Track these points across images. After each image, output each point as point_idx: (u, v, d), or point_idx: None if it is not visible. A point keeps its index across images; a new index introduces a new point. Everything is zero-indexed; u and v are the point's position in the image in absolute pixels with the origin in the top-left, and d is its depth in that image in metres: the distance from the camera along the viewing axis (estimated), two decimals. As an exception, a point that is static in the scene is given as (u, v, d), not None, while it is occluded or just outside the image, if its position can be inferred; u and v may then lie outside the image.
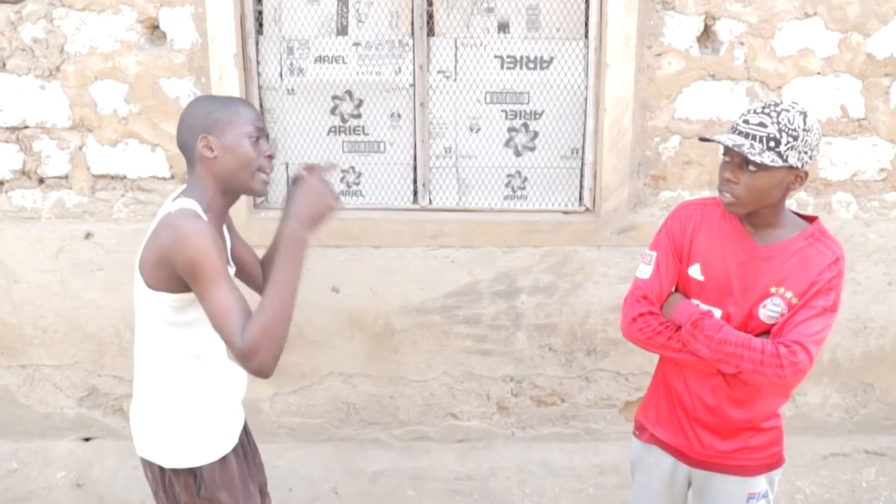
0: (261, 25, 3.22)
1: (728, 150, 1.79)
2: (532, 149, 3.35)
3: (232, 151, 1.80)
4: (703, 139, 1.85)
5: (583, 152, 3.32)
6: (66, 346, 3.37)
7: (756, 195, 1.78)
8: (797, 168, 1.76)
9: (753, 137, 1.75)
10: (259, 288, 2.16)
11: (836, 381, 3.43)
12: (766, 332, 1.87)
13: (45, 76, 3.12)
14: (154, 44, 3.12)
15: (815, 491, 3.21)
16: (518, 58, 3.24)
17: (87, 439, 3.48)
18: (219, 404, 1.93)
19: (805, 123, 1.74)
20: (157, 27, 3.09)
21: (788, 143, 1.72)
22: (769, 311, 1.85)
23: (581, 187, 3.36)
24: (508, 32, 3.22)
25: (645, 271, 2.01)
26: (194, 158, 1.82)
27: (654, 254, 2.01)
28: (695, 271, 1.95)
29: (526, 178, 3.38)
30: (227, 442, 1.94)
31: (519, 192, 3.39)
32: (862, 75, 3.10)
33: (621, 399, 3.43)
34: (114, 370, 3.37)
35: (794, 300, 1.82)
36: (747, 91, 3.11)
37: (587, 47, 3.20)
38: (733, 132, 1.80)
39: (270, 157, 1.87)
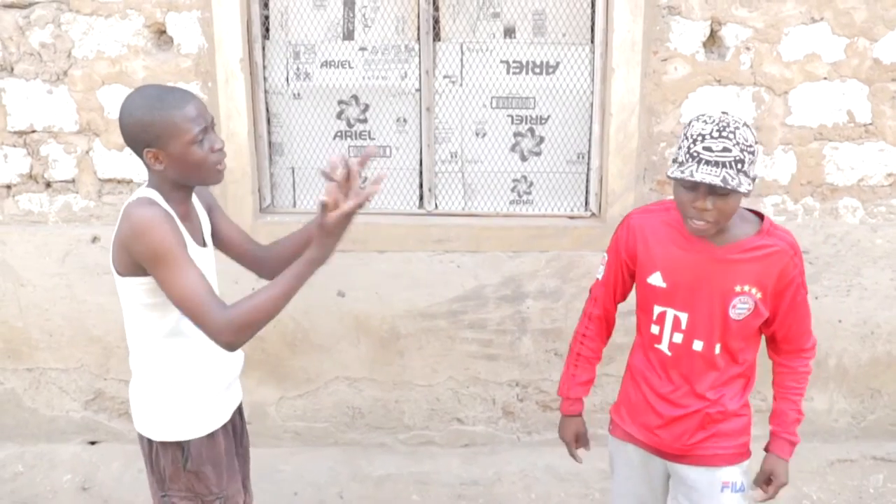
0: (267, 30, 3.23)
1: (725, 189, 1.73)
2: (538, 154, 3.35)
3: (181, 161, 1.78)
4: (670, 177, 1.78)
5: (588, 157, 3.32)
6: (72, 350, 3.38)
7: (728, 215, 1.81)
8: (753, 179, 1.79)
9: (725, 165, 1.73)
10: (248, 265, 2.25)
11: (843, 387, 3.41)
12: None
13: (53, 81, 3.13)
14: (161, 48, 3.13)
15: (823, 497, 3.19)
16: (524, 63, 3.24)
17: (92, 443, 3.49)
18: (208, 380, 1.95)
19: (754, 137, 1.77)
20: (163, 32, 3.10)
21: (750, 160, 1.75)
22: (738, 310, 1.90)
23: (587, 192, 3.36)
24: (514, 37, 3.23)
25: (600, 272, 2.17)
26: (145, 164, 1.82)
27: (607, 257, 2.14)
28: (655, 279, 1.97)
29: (532, 183, 3.38)
30: (216, 418, 1.97)
31: (525, 197, 3.39)
32: (868, 80, 3.09)
33: (627, 404, 3.42)
34: (120, 374, 3.38)
35: (759, 295, 1.89)
36: (753, 96, 3.11)
37: (593, 52, 3.20)
38: (698, 162, 1.74)
39: (220, 149, 1.84)
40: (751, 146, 1.75)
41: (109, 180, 3.23)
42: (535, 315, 3.32)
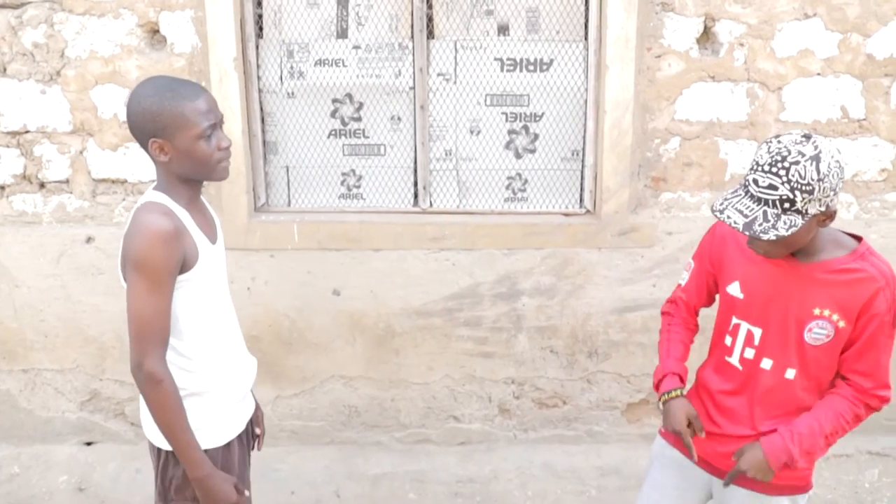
0: (261, 29, 3.23)
1: (752, 236, 1.68)
2: (532, 151, 3.35)
3: (186, 155, 1.77)
4: (715, 213, 1.73)
5: (583, 154, 3.32)
6: (67, 351, 3.37)
7: (786, 248, 1.74)
8: (822, 212, 1.67)
9: (766, 202, 1.64)
10: None
11: (838, 382, 3.42)
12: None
13: (46, 81, 3.12)
14: (154, 48, 3.12)
15: (819, 492, 3.20)
16: (518, 60, 3.24)
17: (88, 443, 3.49)
18: (225, 389, 1.94)
19: (819, 172, 1.60)
20: (157, 31, 3.09)
21: (805, 199, 1.62)
22: (815, 334, 1.80)
23: (581, 189, 3.36)
24: (508, 35, 3.23)
25: (684, 278, 2.11)
26: (151, 157, 1.81)
27: (693, 263, 2.07)
28: (734, 289, 1.91)
29: (526, 181, 3.38)
30: (233, 428, 1.97)
31: (519, 195, 3.39)
32: (862, 76, 3.10)
33: (623, 401, 3.42)
34: (115, 374, 3.37)
35: (841, 323, 1.77)
36: (747, 92, 3.11)
37: (587, 49, 3.20)
38: (745, 195, 1.69)
39: (227, 147, 1.83)
40: (807, 185, 1.60)
41: (104, 180, 3.22)
42: (531, 312, 3.33)
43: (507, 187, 3.39)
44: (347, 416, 3.47)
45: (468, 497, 3.21)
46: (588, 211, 3.33)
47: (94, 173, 3.21)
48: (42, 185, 3.25)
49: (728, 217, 1.69)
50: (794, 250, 1.77)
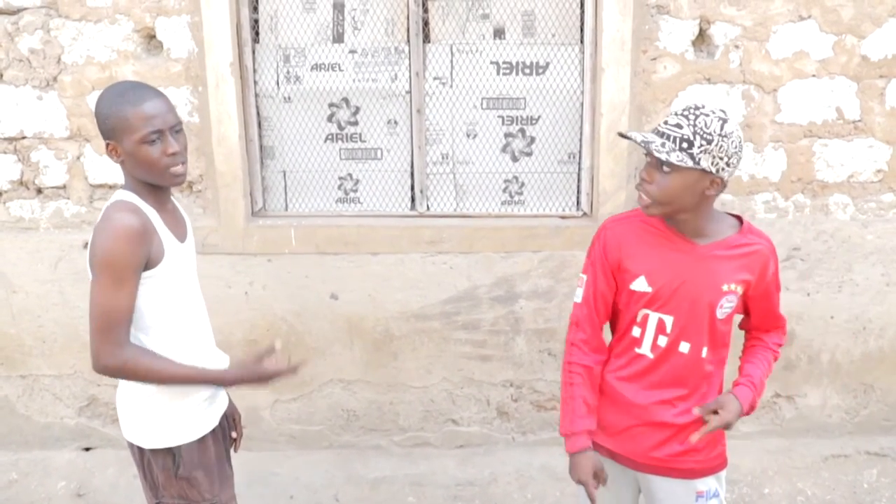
0: (257, 34, 3.23)
1: (647, 151, 1.80)
2: (529, 154, 3.35)
3: (133, 157, 1.80)
4: (621, 135, 1.91)
5: (580, 157, 3.33)
6: (65, 356, 3.37)
7: (669, 196, 1.79)
8: (711, 173, 1.75)
9: (668, 137, 1.77)
10: None
11: (836, 383, 3.43)
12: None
13: (43, 86, 3.12)
14: (151, 53, 3.13)
15: (817, 493, 3.21)
16: (514, 63, 3.25)
17: (87, 449, 3.48)
18: (195, 386, 1.94)
19: (722, 129, 1.74)
20: (153, 37, 3.09)
21: (702, 145, 1.73)
22: (725, 309, 1.90)
23: (578, 192, 3.37)
24: (504, 38, 3.23)
25: (578, 295, 2.04)
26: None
27: (585, 277, 2.03)
28: (640, 284, 1.92)
29: (523, 184, 3.38)
30: (205, 423, 1.98)
31: (516, 198, 3.40)
32: (857, 77, 3.11)
33: (621, 403, 3.43)
34: (113, 380, 3.34)
35: (740, 289, 1.90)
36: (743, 94, 3.12)
37: (583, 52, 3.21)
38: (654, 132, 1.82)
39: (174, 153, 1.82)
40: (709, 133, 1.73)
41: (101, 186, 3.23)
42: (529, 315, 3.33)
43: (504, 190, 3.39)
44: (346, 419, 3.46)
45: (467, 500, 3.21)
46: (585, 213, 3.34)
47: (92, 179, 3.21)
48: (39, 191, 3.25)
49: (633, 135, 1.82)
50: (673, 211, 1.83)
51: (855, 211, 3.26)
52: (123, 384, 1.95)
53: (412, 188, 3.38)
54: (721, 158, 1.75)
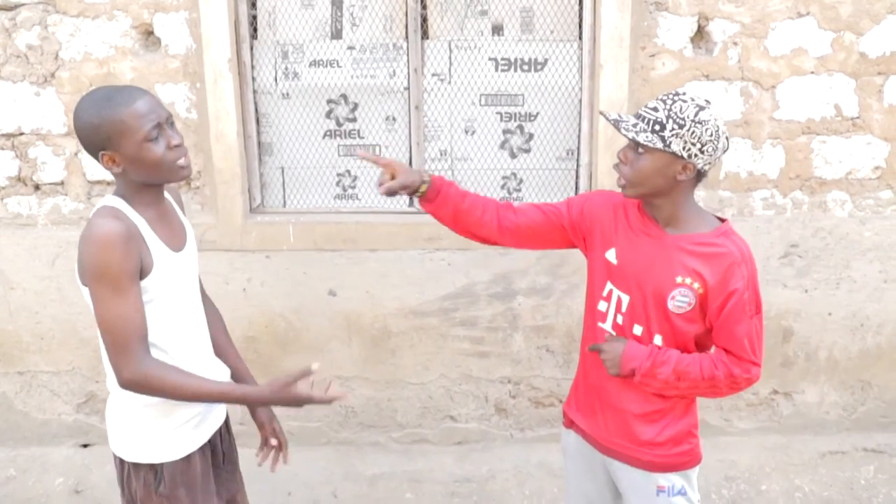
0: (255, 30, 3.23)
1: (615, 126, 1.83)
2: (527, 151, 3.35)
3: (137, 162, 1.71)
4: (601, 113, 1.96)
5: (578, 154, 3.33)
6: (63, 353, 3.37)
7: (641, 177, 1.82)
8: (682, 157, 1.77)
9: (643, 119, 1.79)
10: None
11: (834, 379, 3.43)
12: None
13: (40, 83, 3.12)
14: (149, 49, 3.12)
15: (814, 489, 3.21)
16: (512, 60, 3.25)
17: (85, 445, 3.48)
18: (183, 403, 1.84)
19: (696, 116, 1.74)
20: (151, 33, 3.09)
21: (673, 129, 1.74)
22: (678, 302, 1.86)
23: (577, 188, 3.37)
24: (502, 35, 3.23)
25: (554, 202, 2.16)
26: (105, 168, 1.75)
27: (569, 202, 2.12)
28: (611, 255, 1.97)
29: (521, 180, 3.38)
30: (193, 440, 1.90)
31: (515, 194, 3.39)
32: (855, 74, 3.11)
33: (619, 399, 3.43)
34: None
35: (700, 290, 1.83)
36: (741, 91, 3.12)
37: (581, 49, 3.21)
38: (634, 115, 1.84)
39: (178, 145, 1.75)
40: (681, 118, 1.74)
41: (98, 182, 3.22)
42: (527, 312, 3.33)
43: (503, 187, 3.39)
44: (344, 416, 3.47)
45: (465, 496, 3.21)
46: (583, 210, 3.33)
47: (89, 175, 3.21)
48: (37, 188, 3.24)
49: (607, 114, 1.87)
50: (647, 193, 1.86)
51: (853, 208, 3.26)
52: (114, 393, 1.88)
53: (410, 185, 3.37)
54: (693, 144, 1.76)
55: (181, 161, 1.76)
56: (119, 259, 1.64)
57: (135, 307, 1.68)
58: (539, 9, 3.20)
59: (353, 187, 3.40)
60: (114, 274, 1.64)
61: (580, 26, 3.20)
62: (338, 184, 3.40)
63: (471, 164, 3.36)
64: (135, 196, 1.77)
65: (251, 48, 3.22)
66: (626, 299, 1.93)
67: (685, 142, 1.75)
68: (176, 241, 1.86)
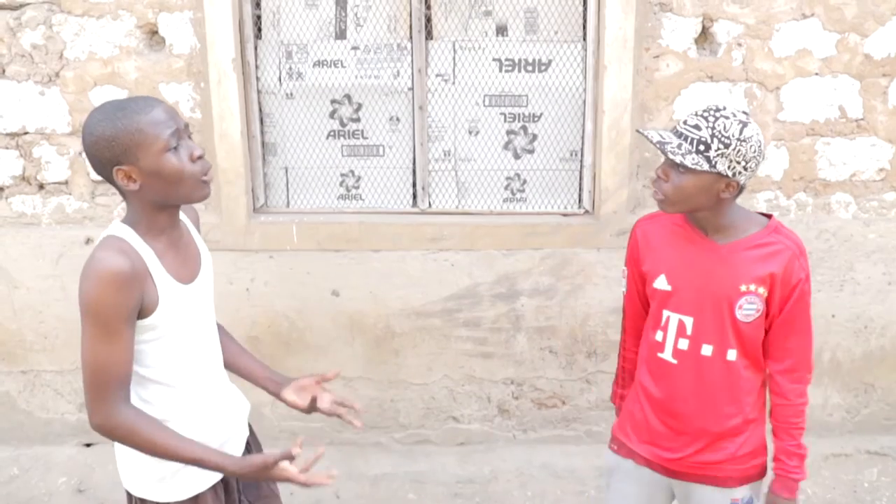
0: (259, 30, 3.23)
1: (661, 150, 1.77)
2: (531, 151, 3.35)
3: (156, 175, 1.57)
4: (638, 132, 1.87)
5: (582, 154, 3.32)
6: (66, 352, 3.37)
7: (683, 196, 1.77)
8: (727, 176, 1.72)
9: (685, 138, 1.74)
10: None
11: (837, 382, 3.42)
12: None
13: (45, 82, 3.12)
14: (153, 49, 3.13)
15: (818, 492, 3.20)
16: (516, 61, 3.25)
17: (88, 445, 3.48)
18: (195, 436, 1.69)
19: (741, 133, 1.70)
20: (155, 32, 3.09)
21: (719, 149, 1.70)
22: (746, 311, 1.83)
23: (580, 189, 3.37)
24: (507, 35, 3.23)
25: (624, 284, 2.12)
26: (119, 188, 1.61)
27: (626, 270, 2.10)
28: (661, 283, 1.92)
29: (525, 181, 3.38)
30: (203, 479, 1.77)
31: (518, 195, 3.39)
32: (860, 76, 3.10)
33: (622, 401, 3.43)
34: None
35: (762, 290, 1.82)
36: (745, 92, 3.12)
37: (585, 50, 3.21)
38: (672, 131, 1.79)
39: (201, 156, 1.62)
40: (727, 137, 1.69)
41: (102, 181, 3.22)
42: (530, 313, 3.33)
43: (506, 188, 3.39)
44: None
45: (468, 497, 3.21)
46: (587, 211, 3.34)
47: (93, 174, 3.21)
48: (41, 187, 3.25)
49: (649, 134, 1.79)
50: (688, 209, 1.82)
51: (857, 210, 3.26)
52: None
53: (414, 185, 3.38)
54: (738, 162, 1.72)
55: (203, 178, 1.63)
56: (114, 301, 1.53)
57: (122, 351, 1.57)
58: (543, 9, 3.20)
59: (357, 187, 3.40)
60: (107, 315, 1.53)
61: (584, 27, 3.20)
62: (341, 184, 3.40)
63: (474, 164, 3.36)
64: (147, 222, 1.64)
65: (255, 48, 3.22)
66: (689, 321, 1.88)
67: (730, 161, 1.71)
68: (187, 271, 1.73)
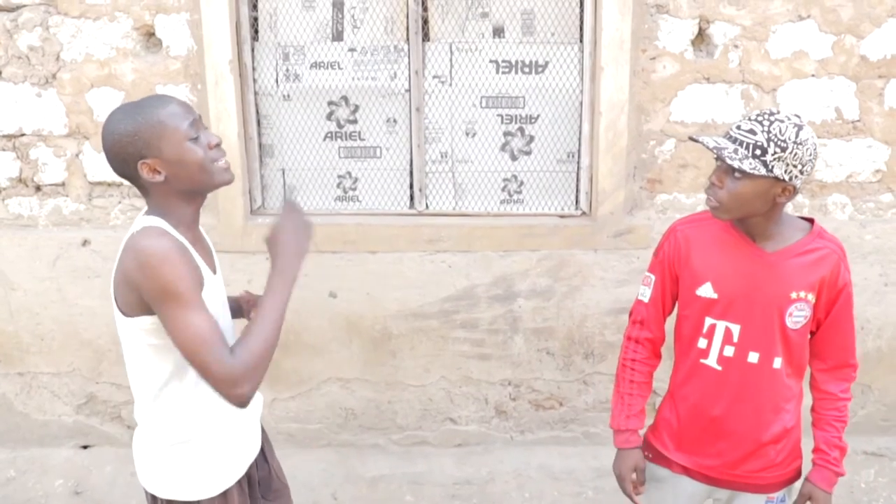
0: (256, 32, 3.23)
1: (719, 158, 1.76)
2: (528, 153, 3.35)
3: (179, 164, 1.62)
4: (692, 139, 1.84)
5: (578, 156, 3.33)
6: (63, 354, 3.37)
7: (739, 202, 1.76)
8: (784, 180, 1.71)
9: (740, 143, 1.72)
10: None
11: (834, 383, 3.42)
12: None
13: (42, 84, 3.12)
14: (150, 51, 3.12)
15: (814, 492, 3.21)
16: (513, 62, 3.25)
17: (85, 447, 3.48)
18: (221, 433, 1.78)
19: (797, 136, 1.69)
20: (152, 34, 3.09)
21: (776, 153, 1.68)
22: (795, 318, 1.84)
23: (577, 191, 3.37)
24: (503, 37, 3.23)
25: (645, 294, 2.05)
26: (144, 185, 1.67)
27: (653, 277, 2.03)
28: (705, 290, 1.90)
29: (522, 183, 3.38)
30: (230, 474, 1.82)
31: (515, 197, 3.40)
32: (856, 77, 3.11)
33: (619, 402, 3.43)
34: (112, 377, 3.37)
35: (811, 297, 1.83)
36: (742, 94, 3.12)
37: (582, 51, 3.21)
38: (725, 136, 1.77)
39: (217, 145, 1.69)
40: (783, 141, 1.68)
41: (99, 183, 3.22)
42: (527, 314, 3.33)
43: (503, 189, 3.39)
44: (344, 418, 3.46)
45: (465, 499, 3.21)
46: (584, 213, 3.34)
47: (90, 176, 3.21)
48: (38, 189, 3.25)
49: (705, 140, 1.78)
50: (743, 215, 1.81)
51: (853, 211, 3.26)
52: (143, 426, 1.79)
53: (411, 187, 3.38)
54: (795, 166, 1.70)
55: (221, 163, 1.69)
56: (184, 273, 1.55)
57: (209, 317, 1.56)
58: (540, 11, 3.20)
59: (354, 189, 3.40)
60: (185, 287, 1.54)
61: (581, 29, 3.20)
62: (338, 186, 3.40)
63: (471, 166, 3.36)
64: (176, 215, 1.68)
65: (252, 50, 3.22)
66: (736, 329, 1.87)
67: (787, 164, 1.70)
68: (210, 263, 1.80)
